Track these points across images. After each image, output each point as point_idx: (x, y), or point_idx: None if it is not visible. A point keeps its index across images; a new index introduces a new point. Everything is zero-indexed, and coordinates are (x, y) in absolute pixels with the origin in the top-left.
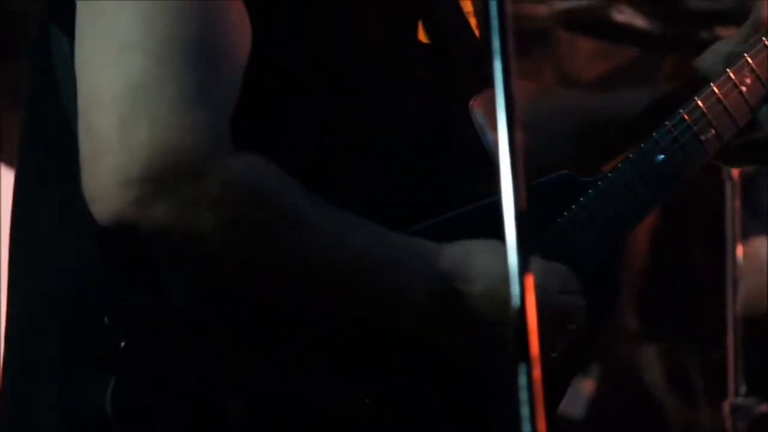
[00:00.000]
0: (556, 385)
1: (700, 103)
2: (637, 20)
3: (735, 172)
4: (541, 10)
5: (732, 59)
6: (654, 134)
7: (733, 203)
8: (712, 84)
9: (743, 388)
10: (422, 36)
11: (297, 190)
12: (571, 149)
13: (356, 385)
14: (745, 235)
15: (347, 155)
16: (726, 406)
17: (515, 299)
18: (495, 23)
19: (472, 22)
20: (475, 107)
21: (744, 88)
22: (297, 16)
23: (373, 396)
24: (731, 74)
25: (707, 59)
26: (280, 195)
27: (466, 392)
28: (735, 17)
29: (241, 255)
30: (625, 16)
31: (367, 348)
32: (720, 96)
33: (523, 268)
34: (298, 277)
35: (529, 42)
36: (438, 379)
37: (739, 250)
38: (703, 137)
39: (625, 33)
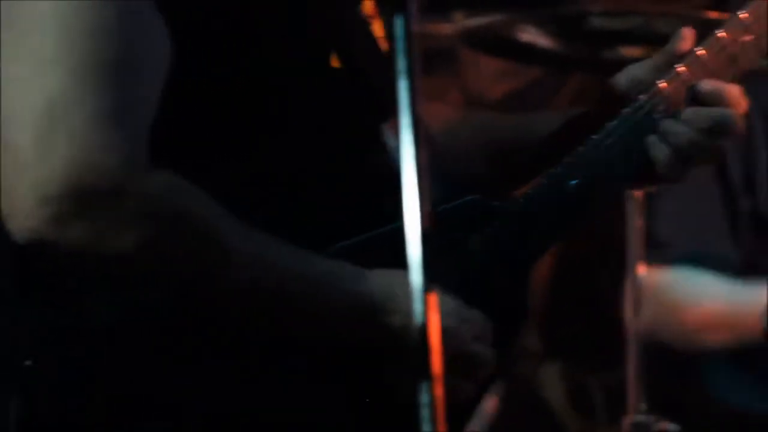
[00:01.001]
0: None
1: (612, 130)
2: (542, 40)
3: (637, 192)
4: (446, 29)
5: (641, 85)
6: (567, 159)
7: (635, 223)
8: (625, 110)
9: (643, 406)
10: (335, 61)
11: (215, 209)
12: (481, 172)
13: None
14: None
15: (263, 177)
16: (626, 424)
17: (417, 317)
18: (400, 43)
19: (384, 46)
20: (389, 129)
21: (657, 115)
22: (215, 39)
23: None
24: (644, 102)
25: (621, 81)
26: (198, 214)
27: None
28: (639, 37)
29: (159, 274)
30: (529, 35)
31: (289, 367)
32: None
33: (426, 286)
34: (217, 297)
35: (433, 61)
36: (362, 400)
37: (641, 270)
38: (616, 163)
39: (530, 52)
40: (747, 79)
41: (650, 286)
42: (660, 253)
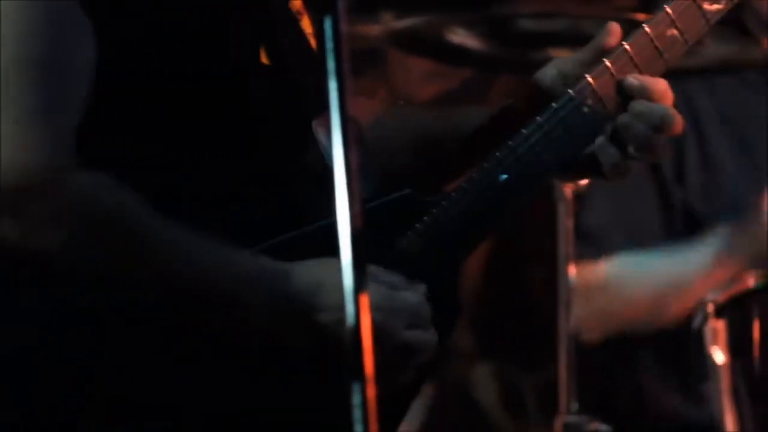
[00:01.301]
0: (396, 409)
1: (542, 123)
2: (471, 41)
3: (567, 191)
4: (375, 29)
5: (567, 80)
6: (497, 154)
7: (565, 222)
8: (554, 105)
9: (575, 406)
10: (264, 58)
11: (143, 208)
12: (409, 167)
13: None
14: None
15: (193, 175)
16: (558, 424)
17: (350, 318)
18: (330, 44)
19: (313, 42)
20: (318, 127)
21: (586, 110)
22: (141, 36)
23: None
24: (573, 96)
25: (547, 76)
26: (125, 213)
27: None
28: (566, 39)
29: (86, 272)
30: (458, 37)
31: (219, 362)
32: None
33: (359, 287)
34: (147, 295)
35: (362, 62)
36: (291, 397)
37: (572, 269)
38: (546, 156)
39: (459, 54)
40: (701, 80)
41: (593, 282)
42: (594, 249)
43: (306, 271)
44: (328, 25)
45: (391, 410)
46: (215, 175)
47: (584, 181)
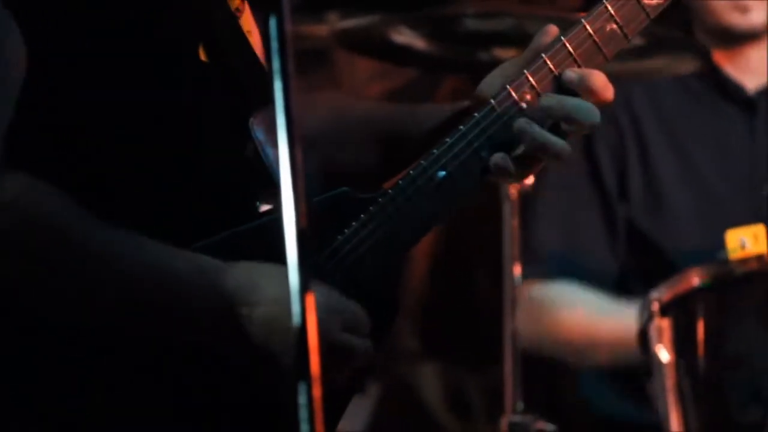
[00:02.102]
0: (335, 407)
1: (480, 119)
2: (416, 41)
3: (513, 191)
4: (320, 29)
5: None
6: (434, 150)
7: (511, 223)
8: (492, 101)
9: (520, 406)
10: (202, 55)
11: (75, 210)
12: (369, 161)
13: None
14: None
15: (128, 173)
16: (503, 424)
17: (296, 318)
18: (275, 44)
19: (251, 40)
20: (255, 124)
21: (524, 105)
22: (74, 35)
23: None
24: (511, 91)
25: (490, 87)
26: (55, 216)
27: (255, 412)
28: (511, 38)
29: (16, 278)
30: (404, 37)
31: (155, 365)
32: (500, 113)
33: (304, 287)
34: (78, 298)
35: (308, 61)
36: (229, 398)
37: (517, 270)
38: (483, 154)
39: (404, 54)
40: (646, 87)
41: (530, 302)
42: (538, 266)
43: (242, 269)
44: (273, 24)
45: (329, 407)
46: (151, 173)
47: (529, 180)
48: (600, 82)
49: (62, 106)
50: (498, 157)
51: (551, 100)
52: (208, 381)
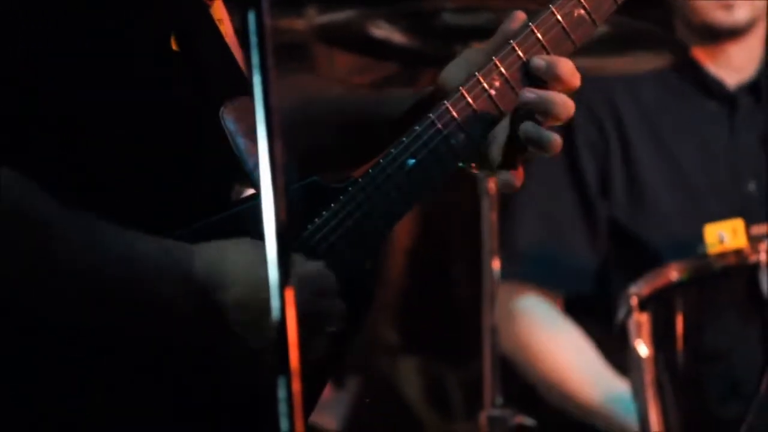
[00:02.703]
0: (309, 393)
1: (449, 107)
2: (395, 35)
3: (492, 186)
4: (299, 24)
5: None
6: (404, 138)
7: (489, 218)
8: (461, 88)
9: (499, 400)
10: (174, 45)
11: (45, 199)
12: (341, 148)
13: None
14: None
15: (102, 162)
16: (482, 418)
17: (275, 312)
18: (254, 38)
19: (222, 29)
20: (226, 114)
21: (493, 92)
22: (44, 27)
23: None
24: (480, 78)
25: (454, 71)
26: (25, 205)
27: (233, 401)
28: (490, 32)
29: None
30: (382, 31)
31: (131, 354)
32: (469, 100)
33: (283, 281)
34: (49, 287)
35: (287, 56)
36: (205, 386)
37: (496, 264)
38: (453, 141)
39: (383, 48)
40: (627, 82)
41: (508, 314)
42: (517, 265)
43: (210, 252)
44: (252, 19)
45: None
46: (122, 164)
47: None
48: (567, 69)
49: (33, 101)
50: (528, 126)
51: (530, 94)
52: (182, 366)
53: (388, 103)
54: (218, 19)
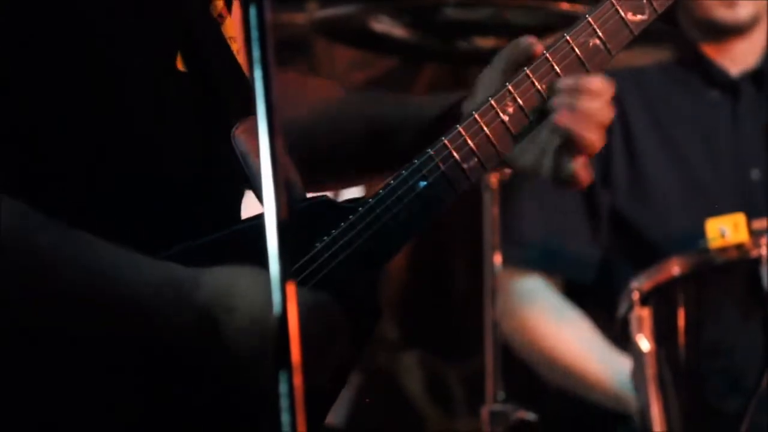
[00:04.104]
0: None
1: (462, 131)
2: (396, 30)
3: (493, 180)
4: (300, 18)
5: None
6: (415, 161)
7: (491, 212)
8: (474, 113)
9: (501, 395)
10: (180, 65)
11: (41, 222)
12: (361, 154)
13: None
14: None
15: (106, 183)
16: (484, 413)
17: (276, 307)
18: (255, 33)
19: (234, 47)
20: (238, 135)
21: (506, 117)
22: (51, 43)
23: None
24: (493, 103)
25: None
26: (19, 229)
27: (234, 422)
28: (491, 27)
29: None
30: (383, 25)
31: (128, 375)
32: (482, 124)
33: (284, 276)
34: (47, 310)
35: (288, 50)
36: (208, 406)
37: (497, 259)
38: (465, 165)
39: (384, 42)
40: (631, 73)
41: (508, 297)
42: (518, 252)
43: (216, 277)
44: (253, 13)
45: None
46: (128, 182)
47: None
48: (598, 86)
49: (34, 112)
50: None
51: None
52: (182, 387)
53: (415, 107)
54: (230, 37)
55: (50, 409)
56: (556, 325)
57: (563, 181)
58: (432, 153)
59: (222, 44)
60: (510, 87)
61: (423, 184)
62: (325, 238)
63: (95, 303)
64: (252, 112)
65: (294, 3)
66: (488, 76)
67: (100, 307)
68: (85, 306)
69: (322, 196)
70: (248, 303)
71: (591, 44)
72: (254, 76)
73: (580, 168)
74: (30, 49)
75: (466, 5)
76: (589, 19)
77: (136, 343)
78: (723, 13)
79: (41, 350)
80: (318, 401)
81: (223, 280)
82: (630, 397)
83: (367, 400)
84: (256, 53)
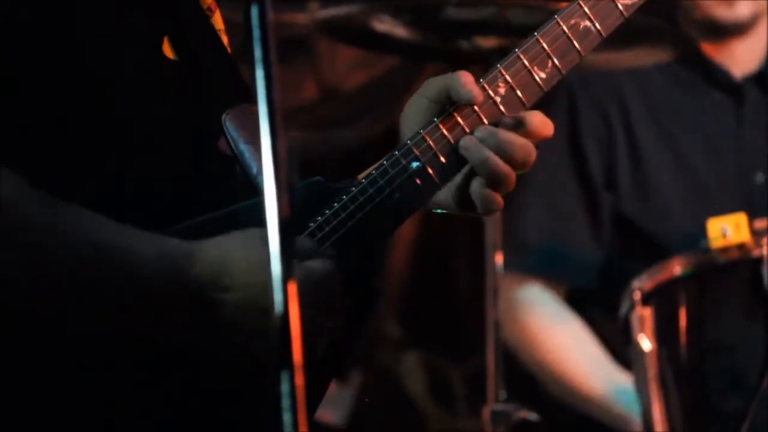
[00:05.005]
0: (313, 389)
1: (455, 114)
2: (398, 29)
3: None
4: (301, 18)
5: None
6: (408, 141)
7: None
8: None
9: (503, 395)
10: (168, 52)
11: (36, 197)
12: None
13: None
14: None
15: (99, 167)
16: (486, 413)
17: (278, 306)
18: (257, 32)
19: (224, 39)
20: (228, 121)
21: (498, 99)
22: (38, 34)
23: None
24: (485, 85)
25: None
26: (15, 204)
27: (233, 401)
28: (492, 27)
29: None
30: (385, 25)
31: (125, 356)
32: (475, 107)
33: (286, 275)
34: (42, 287)
35: (289, 50)
36: (205, 387)
37: (498, 258)
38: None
39: (386, 42)
40: (634, 75)
41: (511, 305)
42: (521, 257)
43: (211, 248)
44: (255, 13)
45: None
46: (119, 168)
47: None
48: (538, 121)
49: (32, 100)
50: (476, 185)
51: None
52: (179, 368)
53: None
54: (219, 29)
55: (46, 388)
56: (556, 338)
57: (469, 206)
58: (424, 134)
59: (211, 33)
60: (501, 69)
61: (416, 164)
62: (318, 218)
63: (92, 278)
64: (242, 99)
65: (296, 2)
66: (416, 104)
67: (97, 281)
68: (81, 281)
69: (316, 177)
70: (244, 283)
71: (582, 26)
72: (256, 76)
73: (489, 197)
74: (14, 38)
75: (467, 5)
76: (580, 1)
77: (134, 318)
78: (722, 12)
79: (37, 323)
80: (312, 379)
81: (218, 258)
82: (629, 417)
83: (368, 399)
84: (258, 53)
